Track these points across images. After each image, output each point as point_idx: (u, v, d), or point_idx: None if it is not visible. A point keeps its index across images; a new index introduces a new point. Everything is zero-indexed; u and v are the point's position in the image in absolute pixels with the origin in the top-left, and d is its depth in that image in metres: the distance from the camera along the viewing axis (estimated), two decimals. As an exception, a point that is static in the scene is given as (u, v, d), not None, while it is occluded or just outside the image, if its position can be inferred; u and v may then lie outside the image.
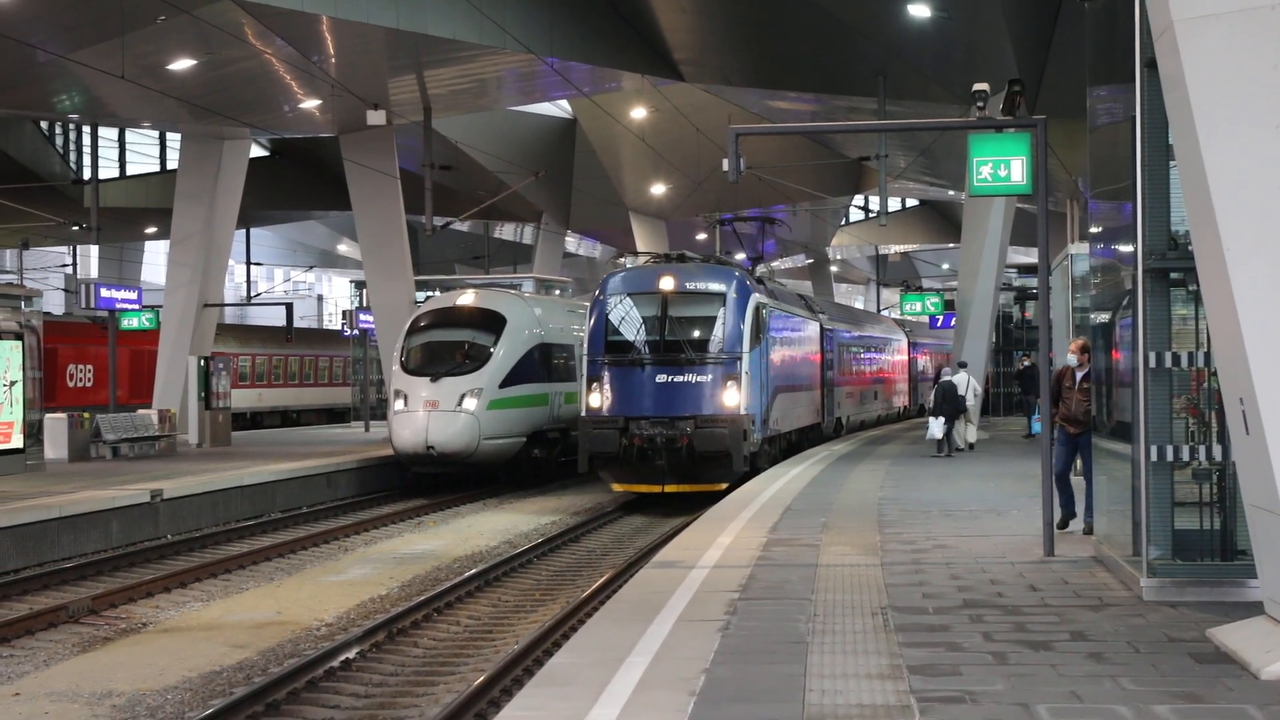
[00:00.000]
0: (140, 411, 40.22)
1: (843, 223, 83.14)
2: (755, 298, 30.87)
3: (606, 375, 29.60)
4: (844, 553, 16.54)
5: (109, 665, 15.55)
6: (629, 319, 30.24)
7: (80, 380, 50.12)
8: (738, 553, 16.63)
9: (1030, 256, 75.79)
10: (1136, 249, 12.80)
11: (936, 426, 32.81)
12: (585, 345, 30.40)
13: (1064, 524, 17.79)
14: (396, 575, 21.94)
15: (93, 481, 28.53)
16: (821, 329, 41.12)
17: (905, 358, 59.82)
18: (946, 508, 21.42)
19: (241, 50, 33.89)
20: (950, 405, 32.92)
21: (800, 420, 37.15)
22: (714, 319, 29.87)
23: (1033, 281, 53.42)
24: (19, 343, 31.24)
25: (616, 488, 30.49)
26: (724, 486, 28.20)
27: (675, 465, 28.82)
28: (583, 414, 29.77)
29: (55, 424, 35.41)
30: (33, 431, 32.33)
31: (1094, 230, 17.58)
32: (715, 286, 30.26)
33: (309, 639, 16.92)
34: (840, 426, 44.10)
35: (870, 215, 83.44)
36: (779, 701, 9.34)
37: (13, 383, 30.82)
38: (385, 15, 32.19)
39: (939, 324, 57.51)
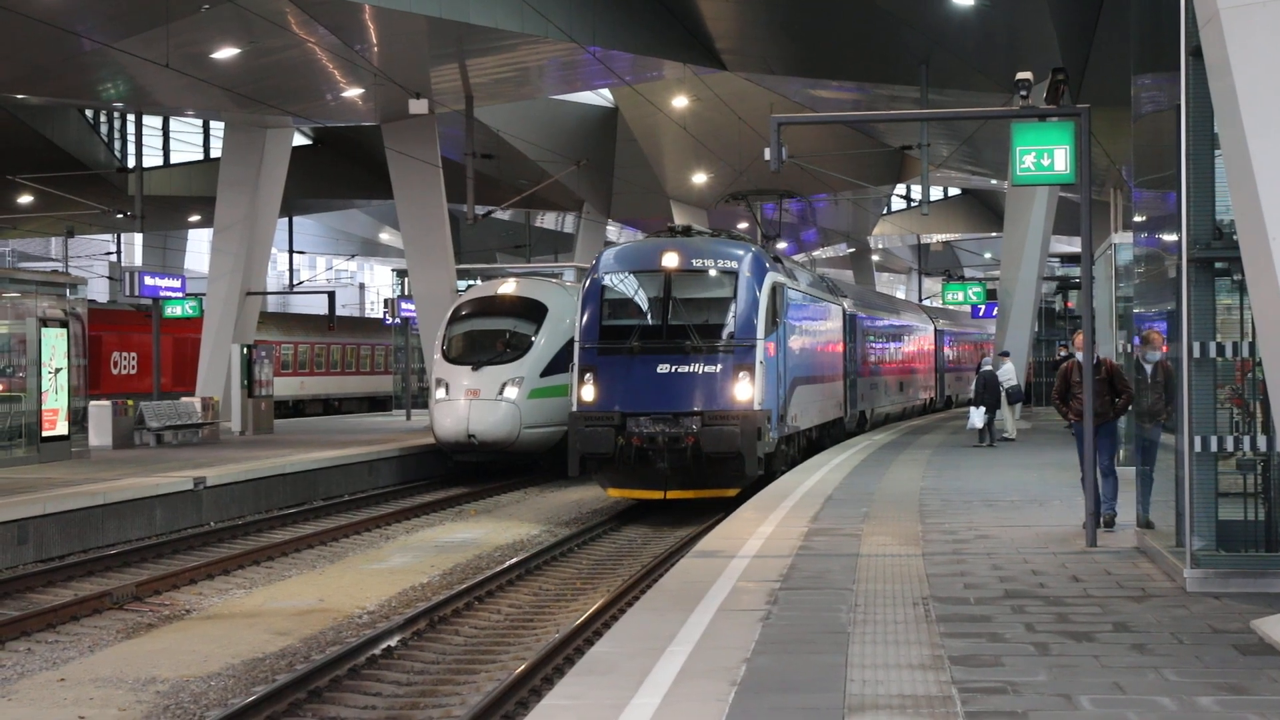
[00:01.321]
0: (184, 399, 40.40)
1: (884, 212, 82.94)
2: (772, 277, 27.51)
3: (601, 365, 26.23)
4: (885, 543, 16.51)
5: (153, 652, 15.64)
6: (626, 300, 26.94)
7: (124, 368, 50.39)
8: (779, 542, 16.62)
9: (1072, 246, 75.50)
10: (1181, 238, 12.74)
11: (977, 416, 32.72)
12: (577, 330, 27.02)
13: (1109, 523, 17.33)
14: (438, 563, 22.00)
15: (137, 469, 28.69)
16: (845, 314, 38.06)
17: (931, 347, 56.37)
18: (988, 498, 21.35)
19: (285, 39, 33.99)
20: (991, 395, 32.82)
21: (821, 415, 33.69)
22: (724, 301, 26.54)
23: (1075, 271, 53.24)
24: (64, 330, 31.42)
25: (612, 493, 27.05)
26: (735, 493, 25.96)
27: (679, 468, 25.56)
28: (574, 409, 26.32)
29: (100, 411, 35.61)
30: (78, 419, 32.51)
31: (1138, 219, 17.51)
32: (726, 264, 26.78)
33: (351, 627, 16.98)
34: (864, 421, 41.17)
35: (912, 204, 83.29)
36: (820, 691, 9.34)
37: (58, 370, 31.00)
38: (427, 3, 32.24)
39: (980, 313, 57.31)
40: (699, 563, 15.26)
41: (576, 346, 26.65)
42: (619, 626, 11.90)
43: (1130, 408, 17.65)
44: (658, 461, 25.40)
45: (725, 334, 26.22)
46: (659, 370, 25.81)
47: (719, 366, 25.83)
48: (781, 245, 35.26)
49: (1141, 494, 16.52)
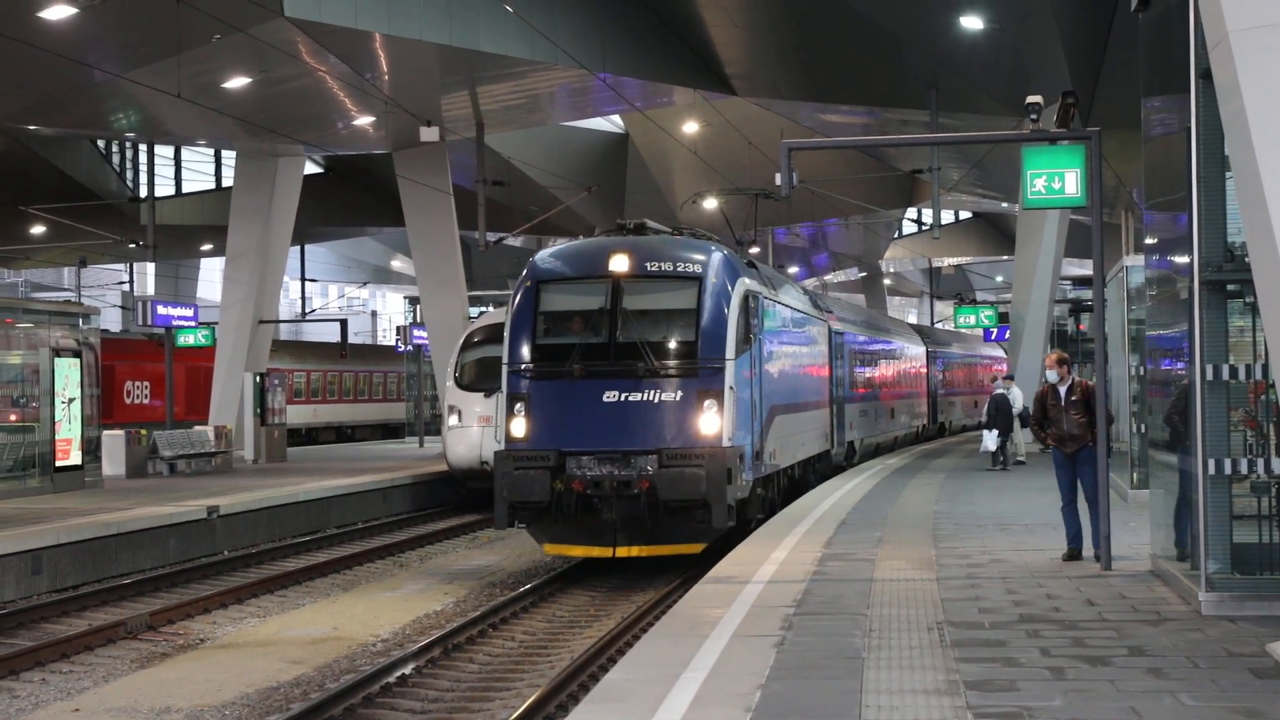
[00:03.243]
0: (197, 428, 40.48)
1: (895, 235, 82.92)
2: (744, 284, 22.97)
3: (534, 393, 21.71)
4: (899, 567, 16.49)
5: (167, 681, 15.64)
6: (566, 314, 22.42)
7: (137, 397, 50.47)
8: (792, 567, 16.60)
9: (1084, 268, 75.44)
10: (1193, 261, 12.74)
11: (990, 439, 32.68)
12: (505, 350, 22.31)
13: (1075, 555, 16.74)
14: (451, 590, 21.99)
15: (150, 498, 28.71)
16: (830, 331, 34.03)
17: (924, 368, 52.39)
18: (1002, 521, 21.32)
19: (296, 68, 34.09)
20: (1004, 418, 32.79)
21: (805, 449, 29.39)
22: (686, 313, 22.04)
23: (1087, 293, 53.21)
24: (77, 360, 31.49)
25: (549, 550, 22.36)
26: (701, 549, 21.81)
27: (631, 520, 21.18)
28: (500, 446, 21.76)
29: (113, 441, 35.67)
30: (91, 448, 32.55)
31: (1149, 242, 17.48)
32: (687, 267, 22.27)
33: (365, 655, 16.98)
34: (852, 452, 37.13)
35: (923, 228, 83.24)
36: (835, 717, 9.32)
37: (71, 400, 31.06)
38: (438, 32, 32.33)
39: (992, 336, 57.18)
40: (713, 588, 15.24)
41: (504, 370, 22.10)
42: (633, 653, 11.88)
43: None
44: (604, 511, 21.10)
45: (687, 353, 21.74)
46: (605, 399, 21.43)
47: (679, 394, 21.45)
48: (754, 250, 29.06)
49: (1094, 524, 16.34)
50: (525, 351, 21.99)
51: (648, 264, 22.29)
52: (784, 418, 26.32)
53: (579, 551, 21.95)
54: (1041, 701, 9.60)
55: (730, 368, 21.70)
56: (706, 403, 21.39)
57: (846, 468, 34.83)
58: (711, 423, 21.36)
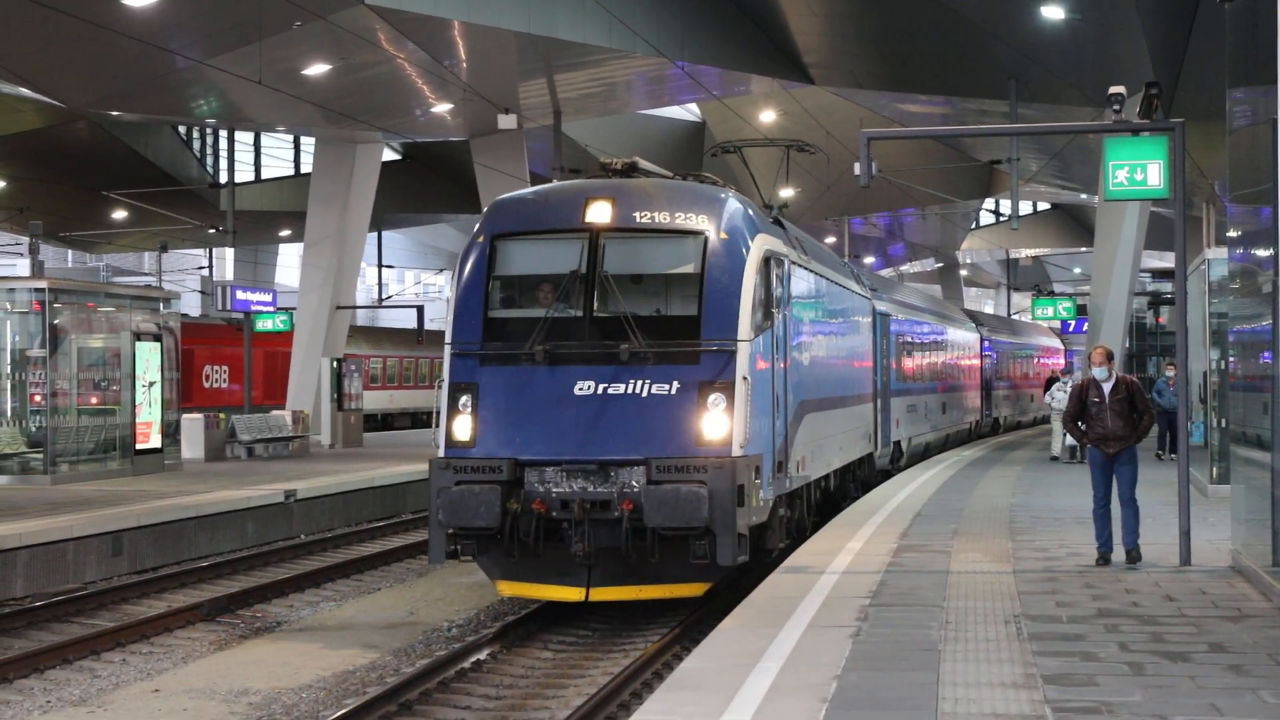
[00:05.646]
0: (274, 412, 40.79)
1: (973, 226, 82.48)
2: (765, 243, 17.61)
3: (484, 383, 16.62)
4: (975, 560, 16.42)
5: (245, 663, 15.77)
6: (527, 279, 17.28)
7: (216, 381, 50.91)
8: (868, 559, 16.56)
9: (1162, 261, 74.82)
10: (1275, 253, 12.61)
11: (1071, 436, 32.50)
12: (448, 324, 17.28)
13: (1105, 561, 15.94)
14: (526, 577, 22.02)
15: (228, 481, 28.95)
16: (875, 313, 29.18)
17: (977, 358, 47.42)
18: (1080, 515, 21.12)
19: (375, 55, 34.27)
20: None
21: (843, 453, 24.23)
22: (687, 279, 16.86)
23: (1166, 286, 52.75)
24: (158, 344, 31.79)
25: (504, 590, 17.07)
26: (702, 590, 16.72)
27: (609, 552, 16.03)
28: (439, 452, 16.66)
29: (192, 424, 36.01)
30: (170, 431, 32.88)
31: (1232, 235, 17.33)
32: (690, 219, 16.90)
33: (440, 640, 17.05)
34: (899, 453, 32.47)
35: (1001, 219, 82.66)
36: (912, 709, 9.29)
37: (151, 383, 31.36)
38: (516, 19, 32.40)
39: (1070, 329, 56.66)
40: (788, 578, 15.23)
41: (446, 353, 17.08)
42: (709, 642, 11.89)
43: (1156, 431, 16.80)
44: (574, 541, 15.92)
45: (687, 332, 16.56)
46: (578, 391, 16.32)
47: (676, 385, 16.26)
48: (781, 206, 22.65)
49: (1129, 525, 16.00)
50: (474, 327, 16.87)
51: (637, 214, 16.95)
52: (816, 416, 21.12)
53: (540, 593, 16.82)
54: (1120, 697, 9.54)
55: (744, 351, 16.41)
56: (712, 397, 16.18)
57: (893, 472, 30.86)
58: (718, 424, 16.09)
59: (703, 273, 16.68)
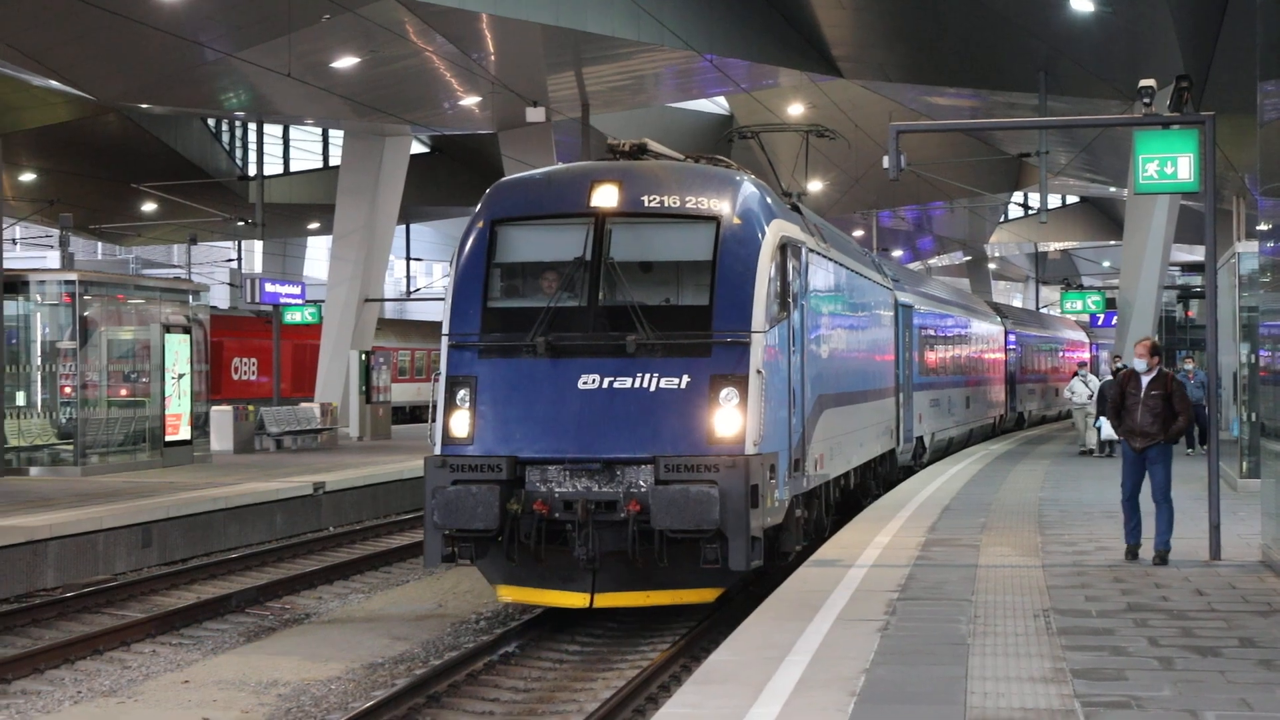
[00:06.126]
0: (303, 405, 40.89)
1: (1001, 219, 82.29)
2: (782, 229, 16.84)
3: (483, 376, 15.91)
4: (1004, 553, 16.39)
5: (274, 655, 15.82)
6: (529, 266, 16.55)
7: (245, 373, 51.06)
8: (896, 552, 16.55)
9: (1192, 254, 74.57)
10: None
11: (1109, 427, 32.30)
12: (445, 313, 16.45)
13: (1133, 554, 15.84)
14: (554, 570, 22.04)
15: (257, 473, 29.05)
16: (897, 304, 28.46)
17: (1001, 351, 46.28)
18: (1109, 509, 21.10)
19: (403, 48, 34.32)
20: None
21: (863, 450, 23.54)
22: (698, 267, 16.12)
23: (1196, 279, 52.58)
24: (187, 336, 31.91)
25: (504, 595, 16.48)
26: (714, 596, 16.13)
27: (614, 556, 15.40)
28: (435, 449, 15.97)
29: (221, 416, 36.13)
30: (199, 424, 33.00)
31: (1263, 228, 17.27)
32: (702, 203, 16.17)
33: (469, 632, 17.08)
34: (921, 449, 31.35)
35: (1030, 212, 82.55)
36: (940, 703, 9.28)
37: (181, 375, 31.48)
38: (544, 12, 32.42)
39: (1099, 323, 56.42)
40: (816, 572, 15.23)
41: (444, 344, 16.33)
42: (737, 635, 11.90)
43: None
44: (578, 545, 15.25)
45: (698, 323, 15.83)
46: (581, 385, 15.61)
47: (686, 379, 15.53)
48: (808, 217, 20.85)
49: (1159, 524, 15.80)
50: (472, 318, 16.15)
51: (645, 198, 16.22)
52: (836, 412, 20.34)
53: (542, 598, 16.18)
54: (1150, 691, 9.52)
55: (759, 343, 15.66)
56: (724, 392, 15.42)
57: (915, 469, 30.13)
58: (730, 420, 15.36)
59: (715, 260, 15.93)
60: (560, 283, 16.02)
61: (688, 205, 16.14)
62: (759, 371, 15.51)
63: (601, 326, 15.76)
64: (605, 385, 15.53)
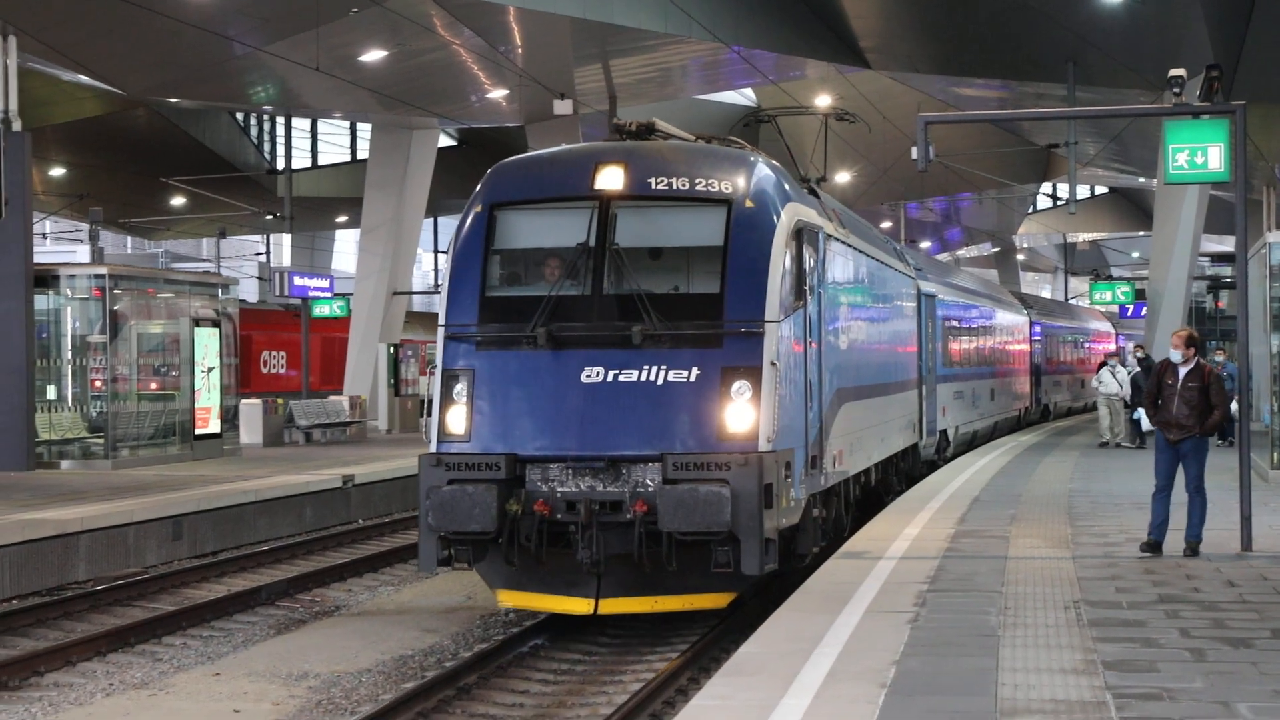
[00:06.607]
0: (331, 398, 40.99)
1: (1030, 210, 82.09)
2: (798, 213, 16.03)
3: (481, 369, 15.11)
4: (1034, 545, 16.36)
5: (305, 647, 15.86)
6: (530, 253, 15.76)
7: (274, 367, 51.17)
8: (925, 544, 16.52)
9: (1222, 244, 74.25)
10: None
11: (1147, 419, 32.18)
12: (441, 302, 15.69)
13: (1156, 547, 15.50)
14: (583, 562, 22.05)
15: (286, 466, 29.13)
16: (920, 292, 27.63)
17: (1026, 342, 45.50)
18: (1139, 500, 21.01)
19: (431, 41, 34.37)
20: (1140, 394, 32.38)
21: (885, 445, 22.69)
22: (709, 253, 15.28)
23: (1226, 270, 52.36)
24: (216, 330, 32.02)
25: (505, 600, 15.64)
26: (726, 601, 15.37)
27: (620, 559, 14.53)
28: (431, 446, 15.27)
29: (250, 409, 36.26)
30: (229, 416, 33.12)
31: (1294, 218, 17.18)
32: (713, 186, 15.33)
33: (498, 624, 17.10)
34: (945, 443, 30.59)
35: (1058, 203, 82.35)
36: (971, 695, 9.27)
37: (210, 369, 31.59)
38: (571, 5, 32.44)
39: (1129, 314, 56.19)
40: (846, 564, 15.21)
41: (440, 335, 15.57)
42: (766, 627, 11.89)
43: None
44: (581, 548, 14.40)
45: (708, 312, 15.01)
46: (585, 378, 14.79)
47: (695, 372, 14.70)
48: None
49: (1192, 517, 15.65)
50: (470, 307, 15.35)
51: (652, 180, 15.36)
52: (855, 405, 19.47)
53: (544, 604, 15.41)
54: (1182, 683, 9.49)
55: (772, 333, 14.86)
56: (736, 385, 14.59)
57: (939, 464, 29.27)
58: (743, 415, 14.55)
59: (726, 245, 15.08)
60: (562, 270, 15.20)
61: (697, 187, 15.32)
62: (773, 363, 14.76)
63: (606, 316, 14.98)
64: (610, 378, 14.74)
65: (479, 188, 15.91)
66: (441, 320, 15.43)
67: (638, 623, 16.27)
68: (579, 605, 14.97)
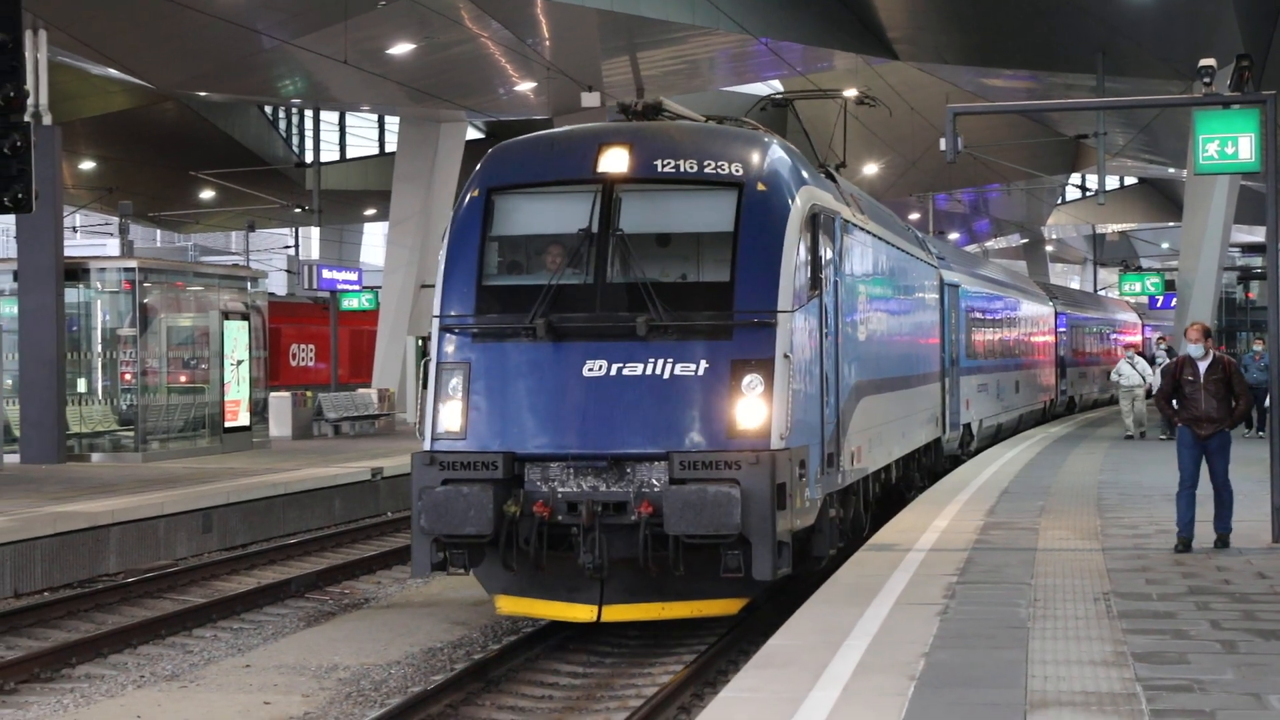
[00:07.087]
0: (360, 390, 41.06)
1: (1059, 201, 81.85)
2: (813, 197, 15.18)
3: (478, 362, 14.36)
4: (1063, 537, 16.32)
5: (334, 639, 15.90)
6: (529, 239, 15.02)
7: (302, 360, 51.29)
8: (954, 536, 16.50)
9: (1252, 235, 73.92)
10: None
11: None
12: (436, 293, 14.86)
13: (1186, 547, 15.15)
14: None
15: (316, 459, 29.20)
16: (943, 282, 26.89)
17: (1051, 333, 44.73)
18: (1169, 492, 20.84)
19: (459, 34, 34.41)
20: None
21: (906, 440, 21.82)
22: (718, 239, 14.45)
23: (1255, 260, 52.14)
24: (245, 323, 32.11)
25: (503, 607, 14.87)
26: (737, 608, 14.57)
27: (624, 563, 13.77)
28: (425, 444, 14.40)
29: (279, 402, 36.32)
30: (258, 409, 33.19)
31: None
32: (722, 168, 14.44)
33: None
34: (969, 437, 29.84)
35: (1087, 194, 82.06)
36: (1001, 687, 9.26)
37: (239, 362, 31.67)
38: (599, -3, 32.48)
39: (1158, 305, 55.97)
40: (875, 555, 15.20)
41: (434, 326, 14.75)
42: (795, 619, 11.89)
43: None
44: (583, 552, 13.60)
45: (717, 303, 14.16)
46: (587, 372, 13.99)
47: (703, 364, 13.88)
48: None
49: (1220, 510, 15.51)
50: (466, 297, 14.54)
51: (659, 162, 14.51)
52: (874, 399, 18.63)
53: (545, 611, 14.71)
54: (1212, 675, 9.46)
55: (785, 324, 14.02)
56: (746, 379, 13.75)
57: (963, 458, 28.49)
58: (754, 411, 13.71)
59: (736, 231, 14.21)
60: (564, 258, 14.35)
61: (706, 170, 14.42)
62: (786, 356, 13.88)
63: (609, 306, 14.11)
64: (613, 372, 13.91)
65: (476, 171, 15.17)
66: (436, 311, 14.66)
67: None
68: (581, 612, 14.31)
